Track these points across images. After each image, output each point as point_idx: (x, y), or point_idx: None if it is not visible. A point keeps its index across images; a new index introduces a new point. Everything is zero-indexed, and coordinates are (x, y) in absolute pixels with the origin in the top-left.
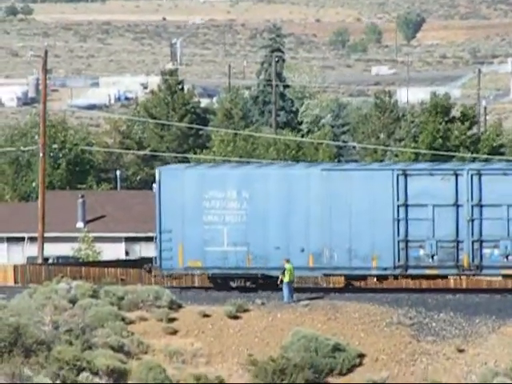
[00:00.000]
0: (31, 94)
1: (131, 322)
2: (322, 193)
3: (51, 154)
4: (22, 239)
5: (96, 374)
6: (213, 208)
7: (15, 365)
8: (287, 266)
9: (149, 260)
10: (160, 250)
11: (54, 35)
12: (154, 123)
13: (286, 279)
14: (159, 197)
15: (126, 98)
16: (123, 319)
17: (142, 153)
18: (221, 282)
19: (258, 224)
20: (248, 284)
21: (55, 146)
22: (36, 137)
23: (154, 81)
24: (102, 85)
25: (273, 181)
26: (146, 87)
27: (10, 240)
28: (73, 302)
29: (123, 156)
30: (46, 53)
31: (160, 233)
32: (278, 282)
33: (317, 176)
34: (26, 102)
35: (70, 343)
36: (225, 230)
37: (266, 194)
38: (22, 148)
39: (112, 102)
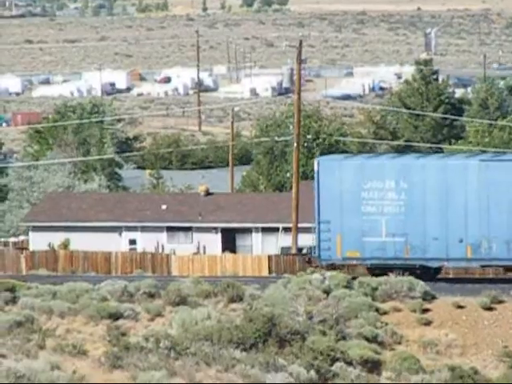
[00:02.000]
0: (286, 84)
1: (385, 313)
2: (479, 183)
3: (305, 144)
4: (276, 229)
5: (350, 363)
6: (371, 199)
7: (269, 354)
8: None
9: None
10: (319, 241)
11: (309, 25)
12: (408, 113)
13: None
14: (318, 187)
15: (381, 88)
16: (377, 310)
17: (396, 143)
18: (379, 273)
19: (417, 214)
20: (405, 274)
21: (309, 136)
22: (290, 127)
23: (409, 71)
24: (357, 75)
25: (431, 171)
26: (400, 77)
27: (264, 230)
28: (327, 292)
29: (377, 146)
30: (301, 43)
31: (319, 223)
32: None
33: (475, 167)
34: (280, 92)
35: (324, 333)
36: (383, 221)
37: (424, 185)
38: (276, 138)
39: (366, 92)
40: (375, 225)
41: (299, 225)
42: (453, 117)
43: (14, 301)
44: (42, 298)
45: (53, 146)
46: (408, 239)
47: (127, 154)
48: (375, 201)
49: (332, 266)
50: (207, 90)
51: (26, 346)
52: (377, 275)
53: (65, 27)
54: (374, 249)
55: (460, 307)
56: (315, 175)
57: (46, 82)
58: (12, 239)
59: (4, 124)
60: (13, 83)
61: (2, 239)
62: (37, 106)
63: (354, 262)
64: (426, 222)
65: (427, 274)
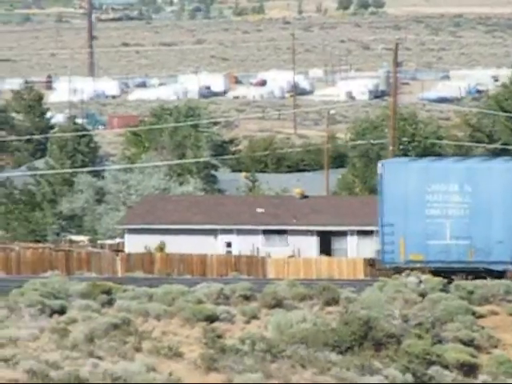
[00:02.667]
0: (382, 87)
1: (481, 316)
2: None
3: (401, 147)
4: (371, 232)
5: (446, 367)
6: (435, 201)
7: (365, 357)
8: None
9: None
10: (382, 244)
11: (405, 28)
12: (504, 116)
13: None
14: (381, 190)
15: (478, 91)
16: (473, 313)
17: (492, 146)
18: (443, 276)
19: (481, 218)
20: (469, 278)
21: (405, 138)
22: (386, 130)
23: (505, 73)
24: (453, 78)
25: (496, 175)
26: (496, 80)
27: (360, 233)
28: (422, 295)
29: (473, 149)
30: (397, 46)
31: (382, 226)
32: None
33: None
34: (376, 95)
35: (420, 337)
36: (447, 224)
37: (488, 188)
38: (371, 141)
39: (463, 95)
40: (439, 228)
41: None
42: None
43: (110, 303)
44: (138, 300)
45: (149, 148)
46: (472, 242)
47: (223, 156)
48: (439, 204)
49: (396, 270)
50: (303, 93)
51: (122, 348)
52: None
53: (161, 30)
54: (438, 252)
55: None
56: (379, 178)
57: (143, 85)
58: (108, 241)
59: (101, 127)
60: (109, 86)
61: (99, 241)
62: (133, 109)
63: (418, 265)
64: (491, 225)
65: (490, 277)
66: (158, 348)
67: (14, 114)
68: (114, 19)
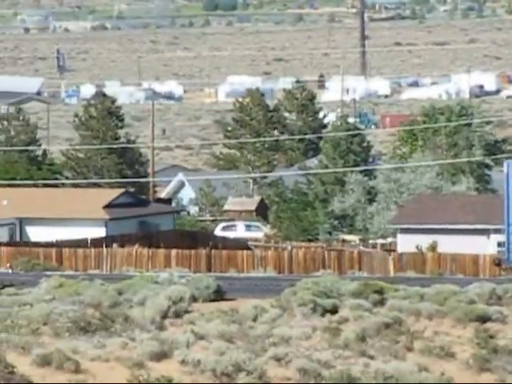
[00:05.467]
0: None
1: None
2: None
3: None
4: None
5: None
6: None
7: None
8: None
9: None
10: (508, 243)
11: None
12: None
13: None
14: (508, 190)
15: None
16: None
17: None
18: None
19: None
20: None
21: None
22: None
23: None
24: None
25: None
26: None
27: None
28: None
29: None
30: None
31: (508, 225)
32: None
33: None
34: None
35: None
36: None
37: None
38: None
39: None
40: None
41: None
42: None
43: (381, 303)
44: (409, 300)
45: (422, 148)
46: None
47: (496, 156)
48: None
49: None
50: None
51: (393, 347)
52: None
53: (434, 30)
54: None
55: None
56: (504, 177)
57: (415, 84)
58: (380, 241)
59: (373, 126)
60: (382, 86)
61: (370, 241)
62: (405, 108)
63: None
64: None
65: None
66: (429, 348)
67: (286, 114)
68: (386, 18)
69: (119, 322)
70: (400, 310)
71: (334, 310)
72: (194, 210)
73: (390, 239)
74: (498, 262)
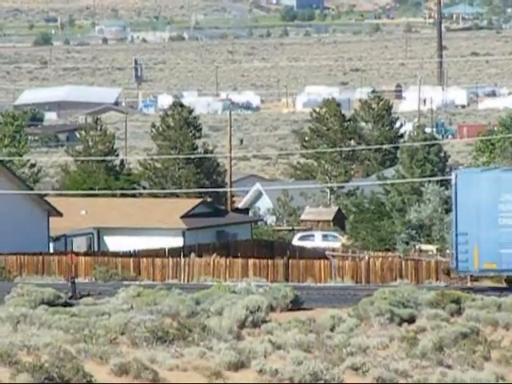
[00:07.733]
0: None
1: None
2: None
3: None
4: None
5: None
6: (508, 211)
7: None
8: None
9: None
10: (456, 252)
11: None
12: None
13: None
14: (455, 200)
15: None
16: None
17: None
18: None
19: None
20: None
21: None
22: None
23: None
24: None
25: None
26: None
27: None
28: None
29: None
30: None
31: (456, 235)
32: None
33: None
34: None
35: None
36: None
37: None
38: None
39: None
40: None
41: None
42: None
43: (459, 312)
44: (486, 309)
45: (500, 158)
46: None
47: None
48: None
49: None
50: None
51: (471, 357)
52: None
53: (511, 40)
54: (511, 261)
55: None
56: (452, 188)
57: (492, 94)
58: None
59: (450, 136)
60: (459, 95)
61: (448, 251)
62: (482, 118)
63: (492, 274)
64: None
65: None
66: (506, 357)
67: (362, 124)
68: (463, 29)
69: (197, 332)
70: (477, 320)
71: (411, 320)
72: (271, 219)
73: None
74: (446, 272)
